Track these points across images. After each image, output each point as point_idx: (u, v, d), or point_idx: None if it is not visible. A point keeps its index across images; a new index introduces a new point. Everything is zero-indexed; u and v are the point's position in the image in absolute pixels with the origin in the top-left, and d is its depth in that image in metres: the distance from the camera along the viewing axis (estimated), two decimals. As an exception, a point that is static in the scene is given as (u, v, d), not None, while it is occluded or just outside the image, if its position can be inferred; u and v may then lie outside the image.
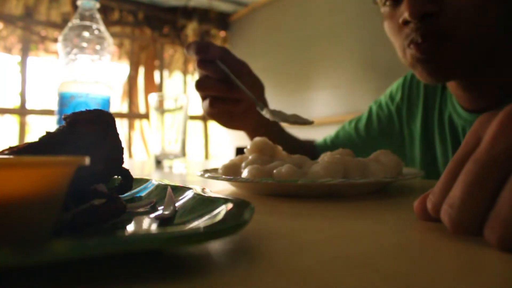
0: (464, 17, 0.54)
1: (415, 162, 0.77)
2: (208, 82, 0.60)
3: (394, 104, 0.82)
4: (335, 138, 0.88)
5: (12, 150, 0.22)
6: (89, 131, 0.24)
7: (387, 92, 0.86)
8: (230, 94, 0.61)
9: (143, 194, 0.33)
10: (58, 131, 0.24)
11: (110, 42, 0.75)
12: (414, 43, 0.57)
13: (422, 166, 0.75)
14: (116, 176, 0.27)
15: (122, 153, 0.27)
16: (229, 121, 0.67)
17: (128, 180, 0.28)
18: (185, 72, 4.20)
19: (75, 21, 0.72)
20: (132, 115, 3.88)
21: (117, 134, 0.26)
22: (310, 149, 0.87)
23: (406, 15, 0.56)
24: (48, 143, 0.23)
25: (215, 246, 0.20)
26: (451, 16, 0.54)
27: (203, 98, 0.64)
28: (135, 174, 0.33)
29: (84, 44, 0.71)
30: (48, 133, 0.24)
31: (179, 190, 0.28)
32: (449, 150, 0.70)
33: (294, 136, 0.84)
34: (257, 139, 0.47)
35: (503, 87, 0.61)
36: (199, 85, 0.60)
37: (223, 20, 4.13)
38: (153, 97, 0.85)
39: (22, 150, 0.22)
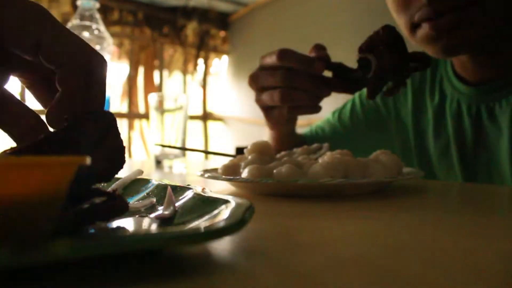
0: None
1: (408, 150, 0.74)
2: (291, 53, 0.53)
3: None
4: (321, 131, 0.84)
5: (14, 150, 0.22)
6: (90, 131, 0.24)
7: None
8: (310, 69, 0.52)
9: (142, 194, 0.32)
10: (60, 130, 0.24)
11: (110, 42, 0.75)
12: (427, 20, 0.53)
13: (416, 153, 0.72)
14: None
15: (123, 152, 0.27)
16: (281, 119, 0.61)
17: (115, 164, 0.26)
18: (184, 72, 4.20)
19: (75, 21, 0.72)
20: (132, 115, 3.88)
21: (119, 134, 0.26)
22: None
23: None
24: (49, 142, 0.23)
25: (215, 246, 0.20)
26: None
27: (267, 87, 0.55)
28: (135, 174, 0.33)
29: (84, 44, 0.71)
30: (49, 132, 0.24)
31: (179, 190, 0.28)
32: (450, 141, 0.66)
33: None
34: (257, 140, 0.47)
35: None
36: (282, 55, 0.52)
37: (223, 20, 4.13)
38: (153, 97, 0.85)
39: (24, 150, 0.22)
